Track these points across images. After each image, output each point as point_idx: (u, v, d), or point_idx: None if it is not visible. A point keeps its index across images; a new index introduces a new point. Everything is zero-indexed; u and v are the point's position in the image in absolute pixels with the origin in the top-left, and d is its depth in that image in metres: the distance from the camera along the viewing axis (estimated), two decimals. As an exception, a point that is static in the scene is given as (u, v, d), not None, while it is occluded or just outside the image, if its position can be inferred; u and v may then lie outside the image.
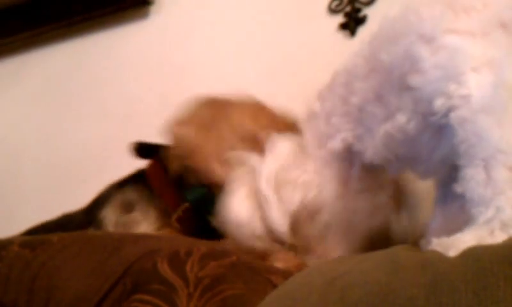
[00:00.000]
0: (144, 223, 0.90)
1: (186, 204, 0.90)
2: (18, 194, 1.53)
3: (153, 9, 1.39)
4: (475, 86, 0.55)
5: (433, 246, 0.52)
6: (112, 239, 0.76)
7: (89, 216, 0.96)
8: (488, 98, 0.54)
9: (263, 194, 0.75)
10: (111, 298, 0.65)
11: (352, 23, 1.16)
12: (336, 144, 0.72)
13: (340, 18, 1.18)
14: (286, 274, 0.68)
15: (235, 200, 0.77)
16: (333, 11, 1.19)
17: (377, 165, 0.71)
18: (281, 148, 0.77)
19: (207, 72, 1.29)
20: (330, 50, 1.15)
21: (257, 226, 0.75)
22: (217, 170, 0.84)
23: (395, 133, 0.63)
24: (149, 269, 0.65)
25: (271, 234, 0.75)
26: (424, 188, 0.79)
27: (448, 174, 0.67)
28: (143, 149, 0.94)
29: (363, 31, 1.15)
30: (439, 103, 0.57)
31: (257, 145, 0.81)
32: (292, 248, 0.78)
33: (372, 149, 0.68)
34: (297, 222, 0.75)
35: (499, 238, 0.50)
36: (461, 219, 0.64)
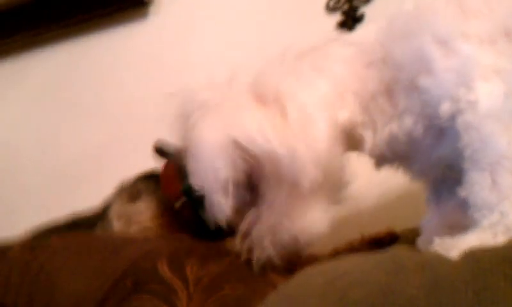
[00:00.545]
0: (147, 212, 0.89)
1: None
2: (18, 195, 1.52)
3: (152, 9, 1.39)
4: (484, 92, 0.55)
5: (435, 246, 0.52)
6: (112, 240, 0.76)
7: (100, 213, 0.96)
8: (495, 105, 0.55)
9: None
10: (111, 298, 0.65)
11: (350, 21, 1.16)
12: (344, 114, 0.67)
13: (337, 17, 1.18)
14: (286, 274, 0.68)
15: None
16: (330, 9, 1.19)
17: None
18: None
19: (206, 72, 1.29)
20: (329, 48, 1.15)
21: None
22: None
23: (400, 135, 0.63)
24: (149, 270, 0.65)
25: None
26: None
27: (441, 173, 0.67)
28: (162, 150, 0.94)
29: (360, 29, 1.15)
30: (445, 107, 0.57)
31: None
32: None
33: (371, 143, 0.67)
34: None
35: (502, 242, 0.50)
36: (459, 218, 0.64)
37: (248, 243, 0.68)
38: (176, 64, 1.33)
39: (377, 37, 0.66)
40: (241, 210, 0.67)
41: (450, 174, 0.66)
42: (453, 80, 0.57)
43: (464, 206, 0.58)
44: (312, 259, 0.86)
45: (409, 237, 0.73)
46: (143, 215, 0.88)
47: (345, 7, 1.17)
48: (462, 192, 0.56)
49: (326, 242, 0.95)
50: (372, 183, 1.09)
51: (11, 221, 1.39)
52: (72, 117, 1.49)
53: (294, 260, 0.72)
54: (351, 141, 0.68)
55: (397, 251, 0.50)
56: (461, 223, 0.63)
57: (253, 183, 0.66)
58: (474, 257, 0.43)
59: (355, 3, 1.17)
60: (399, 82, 0.63)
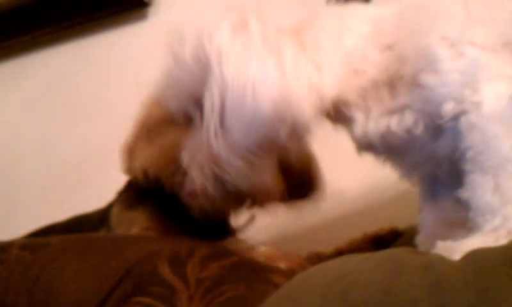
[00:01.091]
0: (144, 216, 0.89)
1: None
2: (18, 197, 1.52)
3: (152, 10, 1.39)
4: (488, 94, 0.55)
5: (438, 250, 0.52)
6: (112, 241, 0.76)
7: (103, 214, 0.96)
8: (500, 108, 0.54)
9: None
10: (111, 300, 0.64)
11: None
12: (332, 91, 0.65)
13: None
14: (288, 274, 0.68)
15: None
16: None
17: None
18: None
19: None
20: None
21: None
22: None
23: (399, 131, 0.63)
24: (149, 271, 0.65)
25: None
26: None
27: (432, 170, 0.67)
28: None
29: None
30: (449, 107, 0.57)
31: None
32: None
33: (361, 128, 0.65)
34: None
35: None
36: (456, 215, 0.64)
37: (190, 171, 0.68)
38: (176, 65, 1.33)
39: (389, 22, 0.65)
40: None
41: (441, 171, 0.66)
42: (458, 81, 0.57)
43: (461, 202, 0.58)
44: (315, 258, 0.86)
45: (412, 234, 0.72)
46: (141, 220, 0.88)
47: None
48: (464, 195, 0.56)
49: (328, 240, 0.95)
50: (374, 181, 1.10)
51: (11, 222, 1.39)
52: (72, 118, 1.49)
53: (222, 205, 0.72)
54: (336, 115, 0.67)
55: (399, 252, 0.50)
56: (459, 220, 0.63)
57: None
58: (476, 258, 0.43)
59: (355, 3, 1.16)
60: (402, 76, 0.62)
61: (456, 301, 0.38)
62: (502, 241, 0.51)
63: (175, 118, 0.74)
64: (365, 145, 0.67)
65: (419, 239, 0.70)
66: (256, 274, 0.66)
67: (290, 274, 0.69)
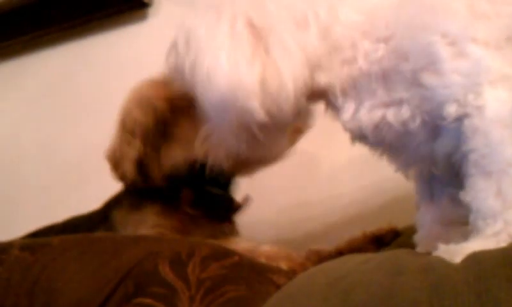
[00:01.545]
0: (152, 217, 0.90)
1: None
2: (18, 197, 1.52)
3: (151, 11, 1.39)
4: (492, 98, 0.54)
5: (440, 253, 0.52)
6: (113, 241, 0.76)
7: (102, 216, 0.96)
8: (504, 113, 0.54)
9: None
10: (112, 301, 0.64)
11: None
12: (322, 78, 0.65)
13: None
14: (289, 275, 0.68)
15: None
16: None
17: None
18: None
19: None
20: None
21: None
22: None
23: (395, 124, 0.62)
24: (150, 271, 0.65)
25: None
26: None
27: (428, 168, 0.67)
28: None
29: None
30: (452, 109, 0.56)
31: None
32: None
33: (351, 116, 0.65)
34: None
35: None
36: (454, 213, 0.64)
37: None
38: (176, 66, 1.33)
39: (386, 14, 0.64)
40: None
41: (438, 169, 0.65)
42: (460, 83, 0.56)
43: (457, 199, 0.58)
44: (315, 257, 0.86)
45: (411, 234, 0.72)
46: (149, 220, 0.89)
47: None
48: (465, 197, 0.56)
49: (328, 240, 0.95)
50: (374, 181, 1.10)
51: (11, 222, 1.39)
52: (72, 119, 1.49)
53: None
54: (327, 102, 0.69)
55: (399, 253, 0.50)
56: (456, 218, 0.63)
57: None
58: (476, 260, 0.43)
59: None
60: (399, 72, 0.61)
61: (456, 303, 0.38)
62: (502, 245, 0.51)
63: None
64: (358, 135, 0.67)
65: (417, 238, 0.70)
66: (257, 274, 0.66)
67: (291, 274, 0.69)
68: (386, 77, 0.62)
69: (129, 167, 0.87)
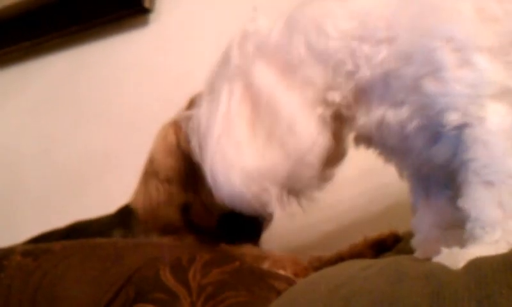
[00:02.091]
0: None
1: None
2: (19, 202, 1.53)
3: (153, 17, 1.39)
4: (493, 112, 0.54)
5: (442, 258, 0.52)
6: (114, 247, 0.76)
7: (118, 219, 0.95)
8: (505, 125, 0.54)
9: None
10: (113, 307, 0.65)
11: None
12: (335, 97, 0.64)
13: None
14: (290, 280, 0.68)
15: None
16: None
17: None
18: None
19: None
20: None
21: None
22: None
23: (393, 124, 0.61)
24: (151, 277, 0.65)
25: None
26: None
27: (426, 172, 0.66)
28: None
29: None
30: (452, 118, 0.56)
31: None
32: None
33: (363, 122, 0.64)
34: None
35: None
36: (451, 216, 0.64)
37: None
38: (177, 72, 1.34)
39: (382, 14, 0.62)
40: None
41: (435, 173, 0.65)
42: (463, 93, 0.55)
43: (455, 203, 0.57)
44: (316, 263, 0.86)
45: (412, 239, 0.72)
46: None
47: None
48: (463, 205, 0.55)
49: (329, 245, 0.95)
50: (375, 186, 1.10)
51: (13, 228, 1.39)
52: (73, 125, 1.49)
53: None
54: (339, 120, 0.66)
55: (401, 259, 0.50)
56: (453, 222, 0.62)
57: None
58: (476, 266, 0.43)
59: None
60: (399, 77, 0.60)
61: (457, 308, 0.39)
62: (503, 252, 0.51)
63: None
64: (365, 139, 0.67)
65: (415, 242, 0.69)
66: (258, 280, 0.66)
67: (291, 280, 0.69)
68: (386, 81, 0.61)
69: (174, 214, 0.86)
